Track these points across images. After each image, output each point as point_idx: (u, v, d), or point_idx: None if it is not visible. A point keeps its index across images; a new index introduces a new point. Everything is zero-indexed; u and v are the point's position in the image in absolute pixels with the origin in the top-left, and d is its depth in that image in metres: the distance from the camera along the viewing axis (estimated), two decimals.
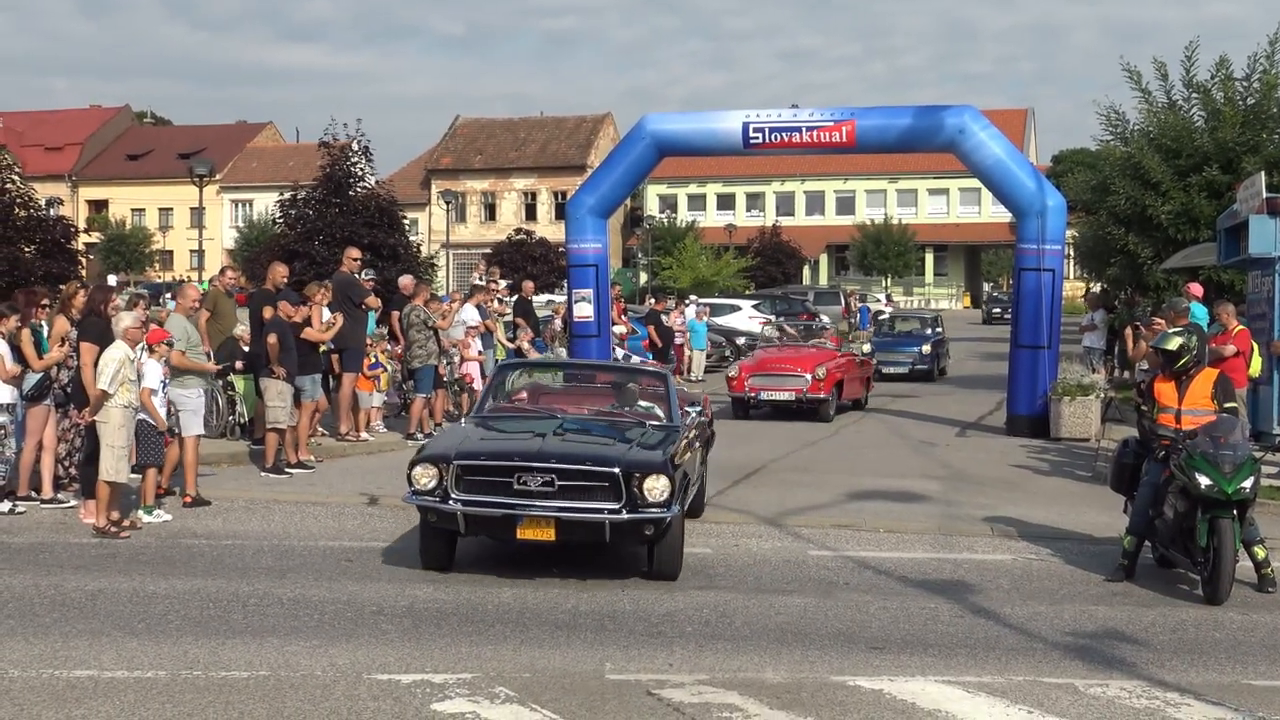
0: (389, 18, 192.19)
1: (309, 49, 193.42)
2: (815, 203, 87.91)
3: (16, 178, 36.25)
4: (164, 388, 12.68)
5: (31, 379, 12.99)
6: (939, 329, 34.17)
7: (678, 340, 30.10)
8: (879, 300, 66.95)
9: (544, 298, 41.97)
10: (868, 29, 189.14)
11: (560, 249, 39.45)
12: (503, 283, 26.33)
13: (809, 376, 22.05)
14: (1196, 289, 19.26)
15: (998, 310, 65.04)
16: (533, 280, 31.55)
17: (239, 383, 17.41)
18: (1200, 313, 17.48)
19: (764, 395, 22.23)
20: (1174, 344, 10.90)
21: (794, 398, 21.97)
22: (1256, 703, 7.65)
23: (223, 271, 18.87)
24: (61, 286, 18.15)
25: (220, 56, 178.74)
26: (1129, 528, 10.97)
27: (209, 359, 15.50)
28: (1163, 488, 10.60)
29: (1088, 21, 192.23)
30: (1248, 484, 10.08)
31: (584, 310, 22.57)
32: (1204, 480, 9.99)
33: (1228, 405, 10.95)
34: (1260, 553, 10.52)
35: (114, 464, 11.88)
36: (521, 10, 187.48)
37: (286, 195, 35.12)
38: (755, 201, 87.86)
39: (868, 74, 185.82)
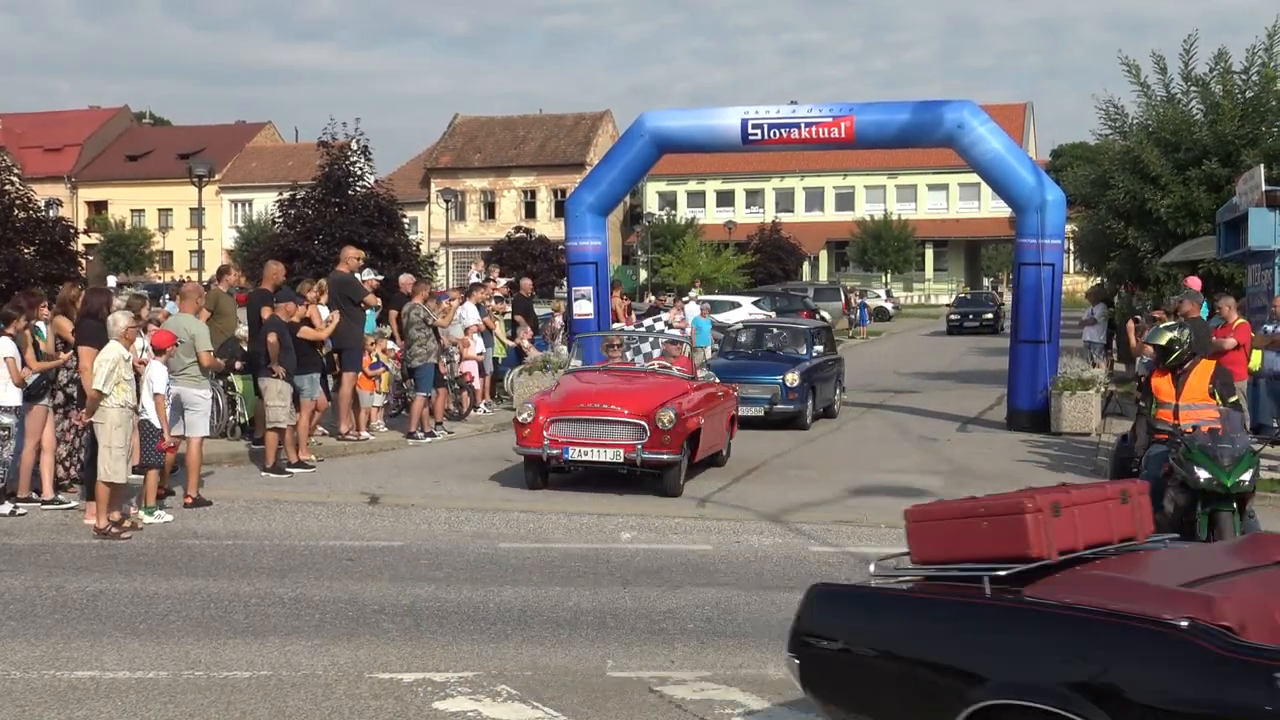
0: (392, 17, 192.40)
1: (311, 49, 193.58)
2: (815, 199, 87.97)
3: (16, 179, 36.23)
4: (168, 390, 12.67)
5: (28, 378, 13.00)
6: (820, 347, 22.59)
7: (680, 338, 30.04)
8: (879, 296, 66.92)
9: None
10: (872, 24, 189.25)
11: (560, 247, 39.43)
12: (502, 281, 26.30)
13: (645, 425, 14.06)
14: (1195, 282, 19.26)
15: (959, 317, 54.29)
16: (532, 278, 31.53)
17: (239, 382, 17.42)
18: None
19: (573, 454, 14.20)
20: (1164, 339, 10.91)
21: (622, 459, 14.02)
22: None
23: (224, 273, 18.83)
24: (60, 288, 18.12)
25: (222, 57, 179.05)
26: None
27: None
28: (1162, 482, 10.60)
29: (1092, 15, 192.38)
30: (1247, 476, 10.07)
31: (584, 308, 22.57)
32: (1203, 474, 9.99)
33: (1232, 400, 10.95)
34: None
35: (111, 464, 11.88)
36: (526, 8, 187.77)
37: (286, 195, 35.10)
38: (755, 198, 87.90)
39: (871, 69, 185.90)
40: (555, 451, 14.19)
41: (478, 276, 26.36)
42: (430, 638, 8.70)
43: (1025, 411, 20.42)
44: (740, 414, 17.72)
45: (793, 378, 20.26)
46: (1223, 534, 9.93)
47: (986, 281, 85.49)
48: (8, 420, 12.74)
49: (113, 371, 11.88)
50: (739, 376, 19.58)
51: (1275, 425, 15.22)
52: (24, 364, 12.85)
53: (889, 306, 67.22)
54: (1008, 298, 54.38)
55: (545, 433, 14.19)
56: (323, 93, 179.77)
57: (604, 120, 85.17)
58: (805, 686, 5.87)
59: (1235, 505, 10.06)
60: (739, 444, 17.26)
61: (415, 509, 13.65)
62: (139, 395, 12.32)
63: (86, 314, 13.38)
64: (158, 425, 12.41)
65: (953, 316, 54.76)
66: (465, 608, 9.52)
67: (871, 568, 6.08)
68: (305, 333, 16.02)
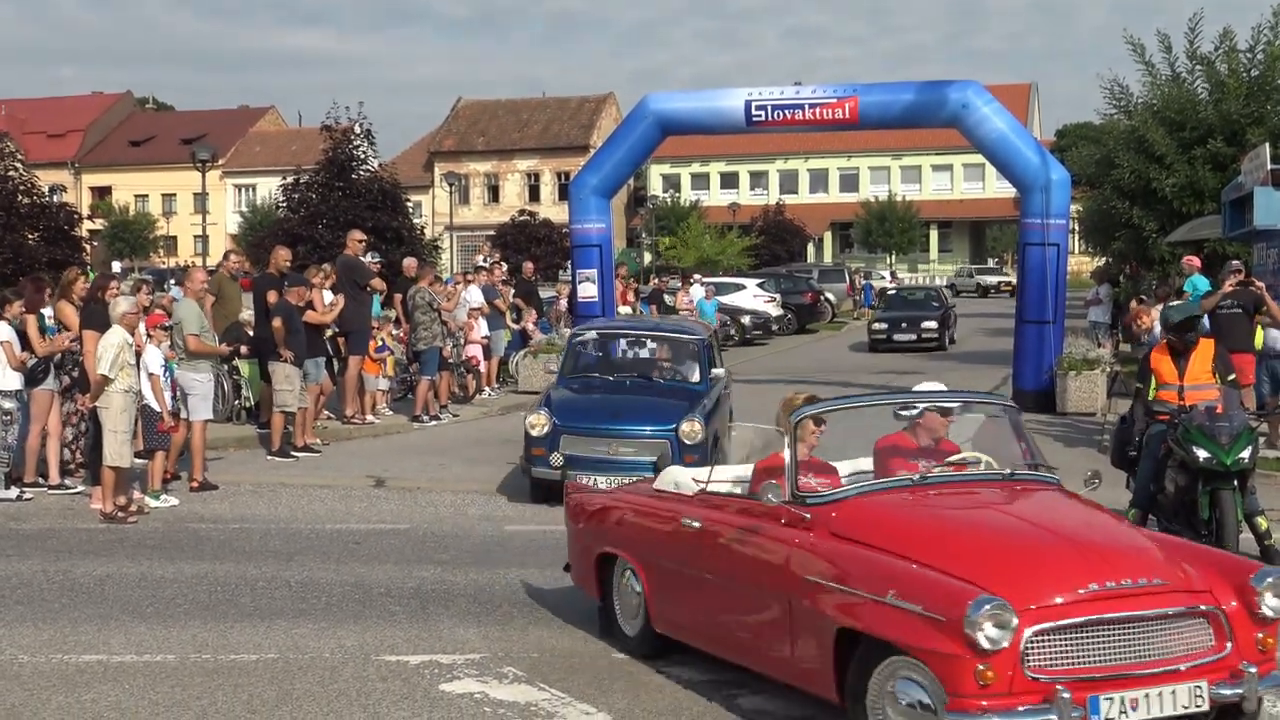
0: (393, 1, 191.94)
1: (312, 34, 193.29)
2: (819, 180, 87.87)
3: (19, 165, 36.31)
4: (166, 372, 12.69)
5: (29, 362, 13.02)
6: (720, 370, 14.44)
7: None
8: (883, 278, 66.83)
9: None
10: (876, 6, 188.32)
11: (564, 230, 39.43)
12: (504, 265, 26.31)
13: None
14: (1195, 261, 19.26)
15: (885, 327, 34.64)
16: (536, 261, 31.54)
17: (244, 367, 17.44)
18: (1203, 284, 17.49)
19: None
20: (1182, 317, 10.89)
21: (1206, 697, 5.87)
22: None
23: (227, 256, 18.88)
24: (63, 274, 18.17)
25: (224, 42, 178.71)
26: (1132, 502, 10.98)
27: (215, 343, 15.52)
28: (1162, 462, 10.59)
29: None
30: (1246, 454, 10.07)
31: (588, 290, 22.57)
32: (1202, 453, 9.98)
33: (1230, 379, 10.96)
34: (1263, 524, 10.51)
35: (117, 449, 11.90)
36: None
37: (289, 179, 35.14)
38: (759, 180, 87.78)
39: (876, 51, 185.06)
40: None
41: (484, 260, 26.39)
42: (437, 620, 8.72)
43: (1030, 392, 20.37)
44: None
45: (692, 428, 12.40)
46: (1225, 513, 9.93)
47: (991, 262, 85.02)
48: (9, 405, 12.77)
49: (117, 356, 11.90)
50: (599, 427, 12.59)
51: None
52: (25, 348, 12.87)
53: (893, 288, 67.12)
54: (1011, 278, 53.08)
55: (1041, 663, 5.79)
56: (325, 77, 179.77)
57: (607, 103, 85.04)
58: None
59: (1236, 483, 10.07)
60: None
61: (421, 492, 13.67)
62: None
63: (92, 299, 13.40)
64: (156, 408, 12.43)
65: (876, 326, 35.15)
66: (471, 590, 9.54)
67: None
68: (310, 316, 16.04)
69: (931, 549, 6.22)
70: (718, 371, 14.19)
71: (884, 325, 34.82)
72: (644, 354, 14.87)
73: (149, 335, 12.70)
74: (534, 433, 12.66)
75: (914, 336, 34.11)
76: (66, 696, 7.11)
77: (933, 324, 34.68)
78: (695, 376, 13.86)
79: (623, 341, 15.12)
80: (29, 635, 8.30)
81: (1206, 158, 24.09)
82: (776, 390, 22.31)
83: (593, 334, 14.94)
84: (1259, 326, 15.25)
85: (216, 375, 15.18)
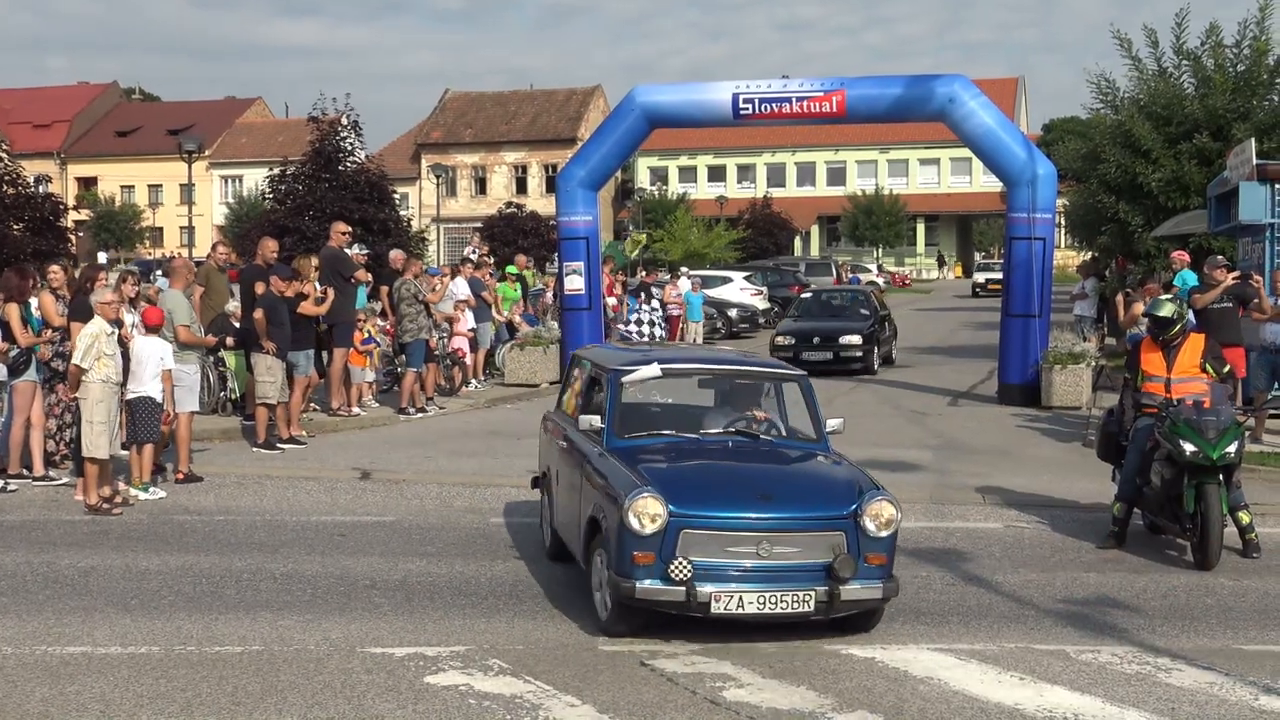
0: None
1: (302, 24, 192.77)
2: (806, 174, 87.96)
3: (4, 155, 36.17)
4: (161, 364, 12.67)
5: (10, 353, 12.98)
6: (839, 422, 9.82)
7: (675, 312, 30.10)
8: (870, 270, 66.91)
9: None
10: None
11: (551, 222, 39.37)
12: (491, 258, 26.30)
13: None
14: (1184, 256, 19.30)
15: (792, 341, 25.59)
16: (524, 254, 31.51)
17: (230, 358, 17.40)
18: (1192, 279, 17.54)
19: None
20: (1165, 310, 10.92)
21: None
22: (1247, 667, 7.68)
23: (214, 248, 18.83)
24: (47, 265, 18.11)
25: (213, 32, 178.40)
26: (1117, 494, 11.02)
27: (203, 334, 15.48)
28: (1148, 455, 10.63)
29: None
30: (1232, 449, 10.11)
31: (575, 283, 22.56)
32: (1189, 447, 10.02)
33: (1225, 371, 11.00)
34: (1245, 518, 10.56)
35: (94, 439, 11.86)
36: None
37: (276, 171, 35.10)
38: (746, 173, 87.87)
39: (866, 44, 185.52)
40: None
41: (473, 253, 26.37)
42: (422, 612, 8.71)
43: (1016, 386, 20.46)
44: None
45: (883, 511, 8.18)
46: (1209, 507, 9.97)
47: (978, 256, 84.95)
48: None
49: (92, 346, 11.85)
50: (745, 518, 8.05)
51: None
52: (6, 338, 12.82)
53: (880, 281, 67.22)
54: (1001, 274, 52.82)
55: None
56: (314, 68, 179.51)
57: (595, 95, 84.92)
58: None
59: (1221, 478, 10.11)
60: None
61: (406, 484, 13.65)
62: (126, 371, 12.29)
63: (79, 290, 13.36)
64: (159, 400, 12.43)
65: (780, 340, 26.07)
66: (457, 582, 9.53)
67: None
68: (304, 308, 16.02)
69: None
70: (834, 423, 9.71)
71: (790, 339, 25.90)
72: (727, 401, 10.03)
73: (149, 330, 12.64)
74: (645, 529, 7.87)
75: (829, 355, 25.42)
76: (51, 689, 7.10)
77: (855, 339, 25.76)
78: (809, 430, 9.65)
79: (693, 381, 10.30)
80: (13, 627, 8.28)
81: (1192, 152, 24.14)
82: None
83: (655, 371, 9.58)
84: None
85: (202, 367, 15.15)
